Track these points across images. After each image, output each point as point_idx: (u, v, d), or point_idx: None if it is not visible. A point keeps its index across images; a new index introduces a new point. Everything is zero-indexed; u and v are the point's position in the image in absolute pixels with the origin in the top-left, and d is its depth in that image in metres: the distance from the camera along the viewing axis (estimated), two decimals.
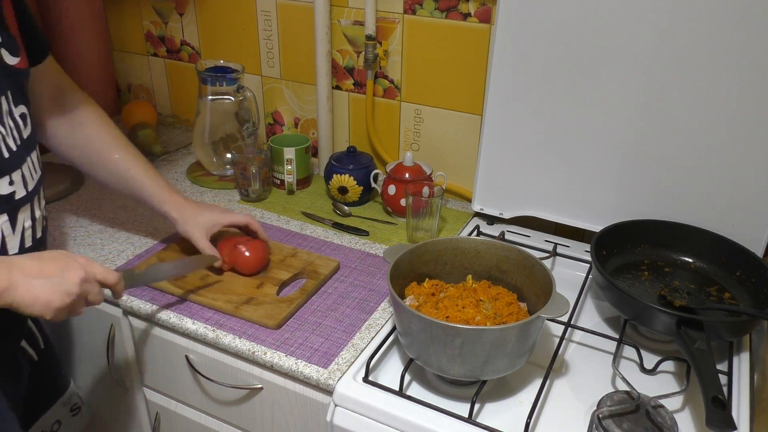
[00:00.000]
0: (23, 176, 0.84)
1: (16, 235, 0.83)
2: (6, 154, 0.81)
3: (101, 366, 1.15)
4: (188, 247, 1.13)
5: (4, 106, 0.82)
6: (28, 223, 0.86)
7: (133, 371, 1.12)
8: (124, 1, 1.62)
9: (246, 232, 1.10)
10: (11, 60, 0.83)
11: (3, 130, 0.81)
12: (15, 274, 0.72)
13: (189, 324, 0.97)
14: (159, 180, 1.07)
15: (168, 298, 1.03)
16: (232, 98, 1.35)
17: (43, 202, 0.91)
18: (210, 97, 1.35)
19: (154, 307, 1.01)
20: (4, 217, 0.81)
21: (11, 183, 0.82)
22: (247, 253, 1.05)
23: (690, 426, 0.82)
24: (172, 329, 1.00)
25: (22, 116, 0.86)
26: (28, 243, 0.86)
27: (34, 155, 0.88)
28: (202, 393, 1.05)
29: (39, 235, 0.89)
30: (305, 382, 0.91)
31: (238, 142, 1.37)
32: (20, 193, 0.83)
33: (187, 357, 1.02)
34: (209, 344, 0.98)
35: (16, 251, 0.84)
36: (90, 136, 1.04)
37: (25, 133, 0.86)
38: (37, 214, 0.88)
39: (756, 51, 0.94)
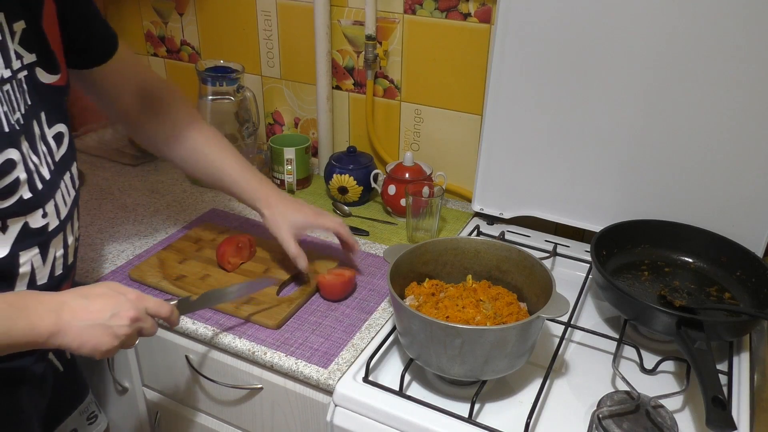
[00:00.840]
0: (56, 205, 0.80)
1: (47, 266, 0.80)
2: (40, 186, 0.76)
3: (101, 366, 1.15)
4: (189, 248, 1.13)
5: (36, 131, 0.77)
6: (60, 252, 0.82)
7: (133, 371, 1.12)
8: (124, 1, 1.62)
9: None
10: (48, 78, 0.79)
11: (36, 159, 0.76)
12: (64, 317, 0.70)
13: (189, 324, 0.97)
14: (248, 173, 1.04)
15: (168, 298, 1.02)
16: (232, 98, 1.35)
17: (76, 224, 0.87)
18: (210, 97, 1.35)
19: None
20: (35, 251, 0.77)
21: (44, 215, 0.78)
22: (333, 279, 1.02)
23: (690, 426, 0.82)
24: (172, 329, 1.00)
25: (57, 136, 0.81)
26: (59, 271, 0.83)
27: (67, 177, 0.83)
28: (202, 393, 1.05)
29: (71, 260, 0.86)
30: (305, 382, 0.91)
31: (238, 142, 1.37)
32: (53, 224, 0.79)
33: (187, 357, 1.02)
34: (209, 344, 0.98)
35: (45, 281, 0.80)
36: (180, 133, 1.02)
37: (59, 155, 0.81)
38: (70, 240, 0.84)
39: (757, 51, 0.94)
